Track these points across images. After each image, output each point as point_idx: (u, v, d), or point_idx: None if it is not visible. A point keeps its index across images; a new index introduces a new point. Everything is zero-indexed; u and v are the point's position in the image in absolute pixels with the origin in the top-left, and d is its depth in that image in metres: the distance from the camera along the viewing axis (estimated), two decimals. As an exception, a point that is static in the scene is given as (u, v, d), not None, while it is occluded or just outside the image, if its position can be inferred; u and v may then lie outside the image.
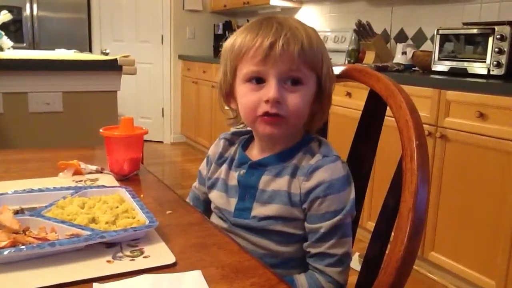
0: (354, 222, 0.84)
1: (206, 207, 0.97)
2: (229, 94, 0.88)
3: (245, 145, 0.92)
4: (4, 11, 2.38)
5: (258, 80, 0.80)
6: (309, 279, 0.80)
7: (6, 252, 0.61)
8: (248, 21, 0.87)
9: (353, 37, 3.31)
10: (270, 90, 0.78)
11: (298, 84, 0.80)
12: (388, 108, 0.82)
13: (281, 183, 0.83)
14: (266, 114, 0.80)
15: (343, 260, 0.80)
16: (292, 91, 0.80)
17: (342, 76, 0.93)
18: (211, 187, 0.93)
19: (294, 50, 0.78)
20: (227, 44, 0.85)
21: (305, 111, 0.82)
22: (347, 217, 0.80)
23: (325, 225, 0.79)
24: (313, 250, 0.81)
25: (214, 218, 0.92)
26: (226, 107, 0.91)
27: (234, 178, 0.88)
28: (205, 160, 0.98)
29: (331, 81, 0.85)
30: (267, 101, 0.79)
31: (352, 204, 0.80)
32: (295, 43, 0.78)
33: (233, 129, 0.96)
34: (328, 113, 0.89)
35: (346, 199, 0.80)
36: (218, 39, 4.95)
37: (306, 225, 0.81)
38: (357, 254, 2.20)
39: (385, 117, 0.89)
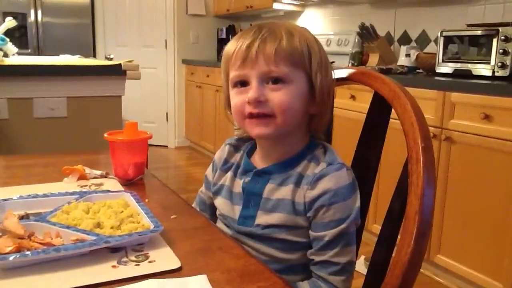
0: (360, 227, 0.84)
1: (212, 211, 0.97)
2: (229, 101, 0.89)
3: (250, 152, 0.92)
4: (9, 18, 2.39)
5: (243, 83, 0.81)
6: (312, 287, 0.80)
7: (11, 258, 0.61)
8: (251, 25, 0.87)
9: (356, 40, 3.31)
10: (250, 91, 0.79)
11: (280, 83, 0.79)
12: (393, 110, 0.82)
13: (285, 192, 0.82)
14: (250, 115, 0.80)
15: (347, 269, 0.79)
16: (275, 90, 0.79)
17: (346, 79, 0.93)
18: (216, 193, 0.93)
19: (270, 49, 0.78)
20: (223, 52, 0.87)
21: (293, 109, 0.80)
22: (352, 226, 0.79)
23: (329, 233, 0.78)
24: (317, 258, 0.80)
25: (219, 224, 0.92)
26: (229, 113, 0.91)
27: (239, 185, 0.88)
28: (211, 165, 0.98)
29: (324, 78, 0.82)
30: (249, 102, 0.79)
31: (357, 212, 0.80)
32: (272, 42, 0.78)
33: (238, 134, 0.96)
34: (330, 114, 0.88)
35: (351, 207, 0.79)
36: (222, 43, 4.96)
37: (311, 233, 0.81)
38: (362, 257, 2.19)
39: (390, 119, 0.88)
